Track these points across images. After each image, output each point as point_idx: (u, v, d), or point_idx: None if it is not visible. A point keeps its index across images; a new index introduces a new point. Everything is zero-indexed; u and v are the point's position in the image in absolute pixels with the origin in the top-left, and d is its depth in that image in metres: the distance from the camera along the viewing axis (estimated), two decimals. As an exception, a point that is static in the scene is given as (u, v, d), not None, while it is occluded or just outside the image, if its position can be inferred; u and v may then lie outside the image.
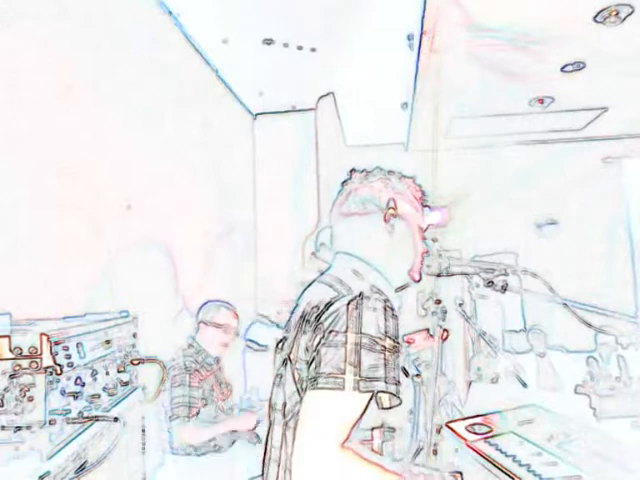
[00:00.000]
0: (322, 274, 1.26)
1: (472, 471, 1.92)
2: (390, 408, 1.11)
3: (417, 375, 1.26)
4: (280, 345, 1.28)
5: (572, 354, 2.42)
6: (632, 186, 4.09)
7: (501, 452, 1.88)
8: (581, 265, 3.77)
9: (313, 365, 1.05)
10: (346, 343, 1.03)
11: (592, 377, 2.13)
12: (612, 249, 3.96)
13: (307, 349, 1.10)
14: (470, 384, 2.65)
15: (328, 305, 1.09)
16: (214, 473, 2.34)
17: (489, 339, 2.69)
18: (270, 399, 1.26)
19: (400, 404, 1.10)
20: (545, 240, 4.17)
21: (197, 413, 2.35)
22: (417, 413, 1.21)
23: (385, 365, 1.04)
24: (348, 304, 1.07)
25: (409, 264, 1.30)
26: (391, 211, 1.26)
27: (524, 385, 2.42)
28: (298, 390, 1.12)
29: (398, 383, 1.06)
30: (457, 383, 2.80)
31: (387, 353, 1.05)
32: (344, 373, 1.01)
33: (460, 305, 2.82)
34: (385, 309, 1.09)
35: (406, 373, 1.19)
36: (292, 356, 1.15)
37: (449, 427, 2.19)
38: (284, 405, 1.16)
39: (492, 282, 1.90)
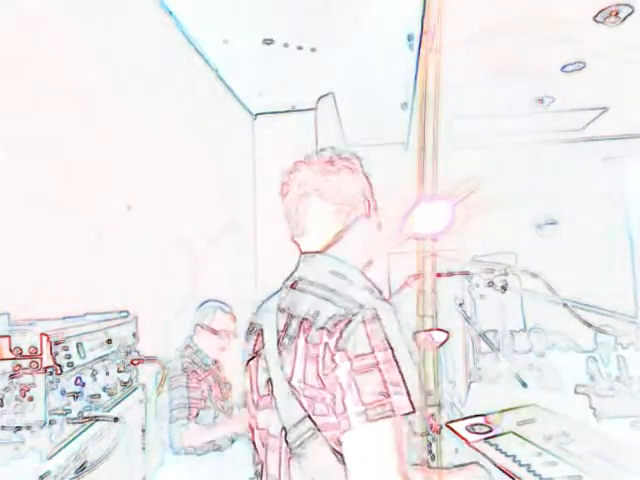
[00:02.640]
0: (290, 279, 1.18)
1: (472, 471, 1.91)
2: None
3: None
4: (253, 363, 1.19)
5: (572, 354, 2.42)
6: (632, 186, 4.09)
7: (501, 452, 1.89)
8: (581, 265, 3.78)
9: (351, 398, 0.97)
10: (379, 364, 0.97)
11: (592, 377, 2.13)
12: (612, 249, 3.96)
13: (321, 377, 1.01)
14: (470, 384, 2.65)
15: (340, 325, 1.00)
16: (214, 473, 2.34)
17: (489, 339, 2.69)
18: (257, 421, 1.17)
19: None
20: (545, 240, 4.18)
21: (197, 414, 2.34)
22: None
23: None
24: (364, 321, 0.99)
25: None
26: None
27: (524, 385, 2.42)
28: (310, 416, 1.03)
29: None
30: (457, 383, 2.80)
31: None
32: (389, 395, 0.96)
33: (460, 305, 2.82)
34: (394, 313, 1.04)
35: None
36: (295, 383, 1.05)
37: (449, 427, 2.20)
38: (283, 432, 1.08)
39: (492, 282, 1.90)
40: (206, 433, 2.35)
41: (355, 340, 0.98)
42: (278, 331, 1.12)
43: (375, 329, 0.99)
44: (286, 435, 1.06)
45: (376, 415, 0.95)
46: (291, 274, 1.22)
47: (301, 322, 1.07)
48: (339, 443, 1.00)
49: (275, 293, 1.24)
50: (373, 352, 0.97)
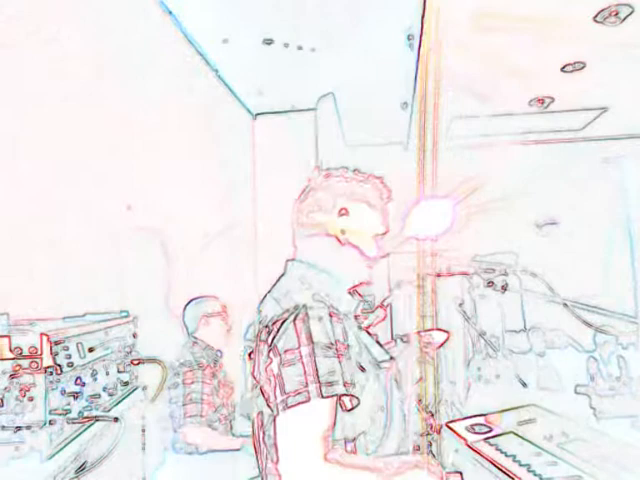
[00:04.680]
0: (275, 284, 1.29)
1: (472, 471, 1.92)
2: (351, 410, 1.14)
3: (391, 358, 1.28)
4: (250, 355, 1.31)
5: (572, 354, 2.42)
6: (632, 186, 4.09)
7: (501, 452, 1.88)
8: (581, 265, 3.77)
9: (278, 389, 1.08)
10: (302, 357, 1.08)
11: (592, 377, 2.13)
12: (612, 249, 3.96)
13: (266, 370, 1.13)
14: (470, 384, 2.65)
15: (277, 324, 1.13)
16: (214, 473, 2.34)
17: (489, 339, 2.69)
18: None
19: (359, 404, 1.13)
20: (545, 240, 4.17)
21: (207, 412, 2.36)
22: (390, 403, 1.23)
23: (341, 368, 1.09)
24: (295, 320, 1.11)
25: (361, 267, 1.32)
26: (343, 216, 1.30)
27: (524, 385, 2.42)
28: (268, 405, 1.15)
29: (353, 385, 1.11)
30: (457, 383, 2.80)
31: (340, 357, 1.10)
32: (307, 385, 1.06)
33: (460, 305, 2.82)
34: (330, 315, 1.13)
35: (362, 369, 1.22)
36: (256, 374, 1.20)
37: (449, 427, 2.20)
38: (259, 414, 1.20)
39: (492, 282, 1.90)
40: (211, 439, 2.37)
41: (286, 337, 1.11)
42: (256, 334, 1.25)
43: (303, 326, 1.10)
44: (259, 418, 1.19)
45: (294, 402, 1.06)
46: (280, 276, 1.34)
47: (259, 322, 1.22)
48: None
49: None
50: (299, 347, 1.09)
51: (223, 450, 2.40)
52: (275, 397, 1.09)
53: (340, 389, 1.07)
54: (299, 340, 1.09)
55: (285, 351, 1.09)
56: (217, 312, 2.57)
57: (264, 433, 1.18)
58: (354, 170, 1.36)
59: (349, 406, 1.14)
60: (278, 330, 1.12)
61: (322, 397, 1.05)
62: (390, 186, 1.39)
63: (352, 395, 1.10)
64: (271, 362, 1.11)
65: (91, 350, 1.65)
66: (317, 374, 1.06)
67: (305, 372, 1.07)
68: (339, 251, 1.28)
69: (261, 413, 1.20)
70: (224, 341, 2.60)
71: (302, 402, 1.05)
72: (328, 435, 1.08)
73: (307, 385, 1.06)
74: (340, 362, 1.09)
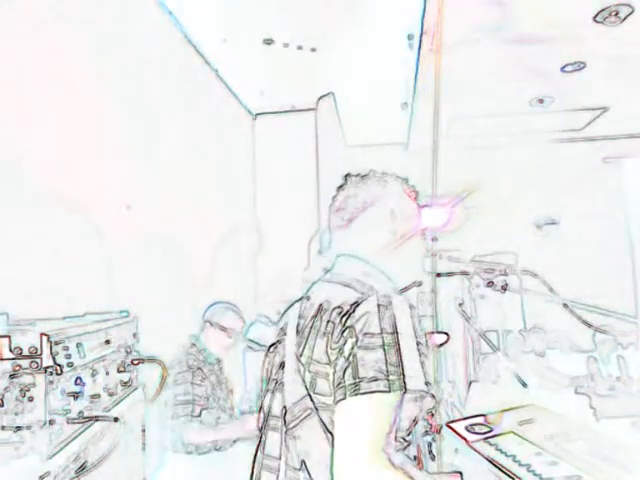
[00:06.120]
0: (325, 274, 1.25)
1: (472, 471, 1.92)
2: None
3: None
4: (272, 349, 1.26)
5: (572, 354, 2.42)
6: (632, 186, 4.09)
7: (501, 452, 1.88)
8: (581, 265, 3.77)
9: (349, 371, 1.00)
10: (384, 345, 1.01)
11: (592, 377, 2.13)
12: (612, 249, 3.96)
13: (328, 352, 1.06)
14: (470, 384, 2.65)
15: (354, 306, 1.06)
16: (214, 473, 2.34)
17: (489, 339, 2.69)
18: (262, 405, 1.24)
19: (436, 407, 1.08)
20: (545, 240, 4.17)
21: (200, 412, 2.35)
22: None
23: (422, 364, 1.03)
24: (378, 305, 1.04)
25: (411, 264, 1.31)
26: (393, 214, 1.26)
27: (524, 385, 2.42)
28: (310, 395, 1.07)
29: (432, 385, 1.05)
30: (457, 383, 2.80)
31: (420, 352, 1.04)
32: (388, 375, 0.98)
33: (460, 305, 2.82)
34: (411, 309, 1.08)
35: None
36: (304, 359, 1.10)
37: (449, 427, 2.19)
38: (284, 412, 1.13)
39: (492, 282, 1.89)
40: (208, 434, 2.36)
41: (366, 320, 1.03)
42: (299, 316, 1.18)
43: (386, 313, 1.04)
44: (285, 414, 1.11)
45: (368, 389, 0.98)
46: (328, 270, 1.29)
47: (320, 305, 1.13)
48: (332, 423, 1.03)
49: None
50: (381, 333, 1.02)
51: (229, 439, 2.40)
52: (344, 380, 1.00)
53: (422, 385, 1.00)
54: (381, 326, 1.02)
55: (364, 334, 1.02)
56: (217, 324, 2.56)
57: (287, 434, 1.11)
58: (382, 172, 1.33)
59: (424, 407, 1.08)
60: (355, 311, 1.04)
61: (405, 391, 0.98)
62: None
63: (432, 395, 1.04)
64: (344, 343, 1.03)
65: (91, 350, 1.65)
66: (402, 366, 0.99)
67: (387, 361, 0.99)
68: (387, 252, 1.26)
69: (285, 409, 1.13)
70: (219, 352, 2.58)
71: (381, 391, 0.97)
72: (392, 432, 1.00)
73: (388, 375, 0.98)
74: (420, 358, 1.03)
